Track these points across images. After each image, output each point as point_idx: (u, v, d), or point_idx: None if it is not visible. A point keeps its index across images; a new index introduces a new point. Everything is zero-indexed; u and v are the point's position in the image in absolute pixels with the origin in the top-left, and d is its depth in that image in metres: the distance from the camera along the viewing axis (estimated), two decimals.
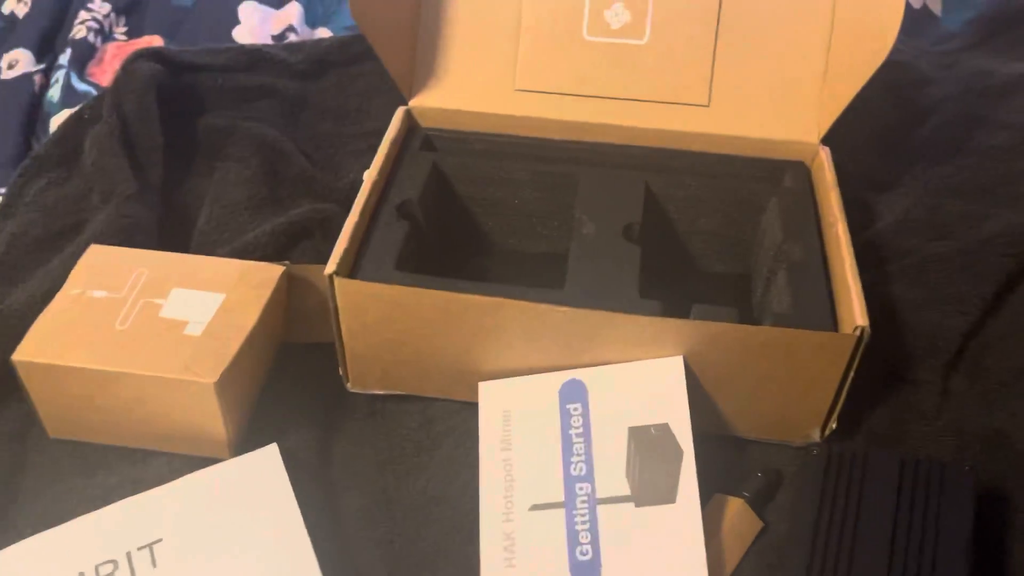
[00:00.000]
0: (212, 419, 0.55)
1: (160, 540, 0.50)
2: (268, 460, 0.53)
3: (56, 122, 0.85)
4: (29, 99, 0.89)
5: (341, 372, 0.61)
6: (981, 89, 0.81)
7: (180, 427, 0.56)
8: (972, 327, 0.63)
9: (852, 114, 0.65)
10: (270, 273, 0.61)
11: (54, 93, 0.89)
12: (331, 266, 0.55)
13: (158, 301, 0.58)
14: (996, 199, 0.71)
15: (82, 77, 0.92)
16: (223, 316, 0.57)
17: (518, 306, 0.54)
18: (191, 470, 0.56)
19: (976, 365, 0.61)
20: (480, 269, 0.69)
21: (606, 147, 0.68)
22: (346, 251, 0.56)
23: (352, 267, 0.57)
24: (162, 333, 0.56)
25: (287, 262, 0.62)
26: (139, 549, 0.49)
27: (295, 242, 0.72)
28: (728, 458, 0.58)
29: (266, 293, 0.59)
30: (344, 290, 0.55)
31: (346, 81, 0.90)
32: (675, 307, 0.54)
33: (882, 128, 0.80)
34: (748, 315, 0.64)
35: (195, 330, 0.56)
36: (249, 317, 0.57)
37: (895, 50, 0.89)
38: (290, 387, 0.62)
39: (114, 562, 0.49)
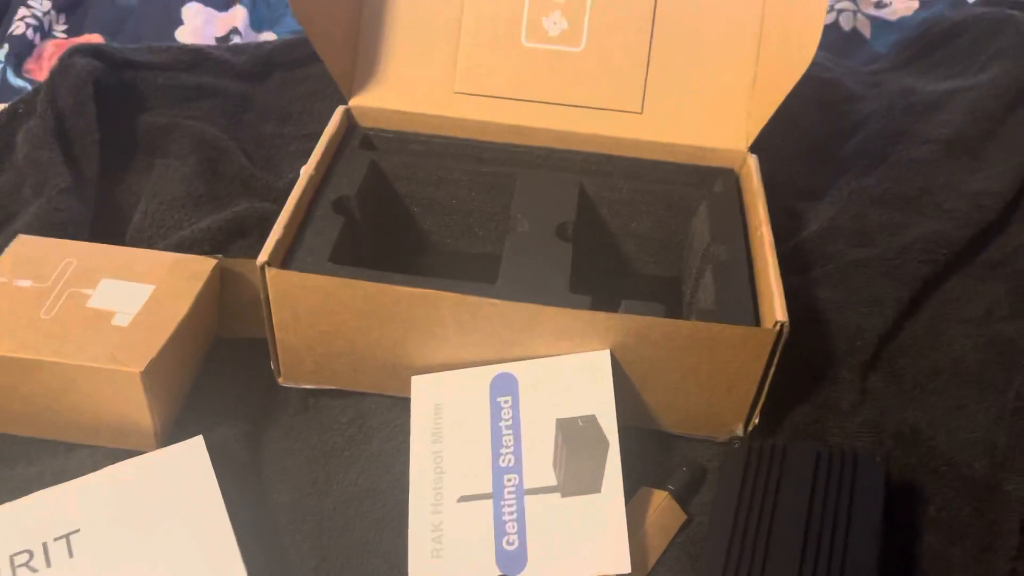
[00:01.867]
0: (138, 410, 0.55)
1: (78, 531, 0.49)
2: (193, 452, 0.53)
3: None
4: None
5: (273, 366, 0.61)
6: (905, 106, 0.84)
7: (106, 419, 0.55)
8: (890, 329, 0.65)
9: (784, 127, 0.67)
10: (202, 266, 0.60)
11: None
12: (263, 256, 0.55)
13: (86, 291, 0.57)
14: (917, 209, 0.74)
15: (19, 73, 0.91)
16: (152, 307, 0.57)
17: (450, 298, 0.54)
18: (116, 463, 0.55)
19: (893, 365, 0.64)
20: (417, 268, 0.69)
21: (543, 150, 0.69)
22: (279, 242, 0.56)
23: (284, 259, 0.57)
24: (89, 322, 0.55)
25: (220, 255, 0.62)
26: (55, 540, 0.49)
27: (232, 240, 0.72)
28: (655, 452, 0.59)
29: (197, 285, 0.59)
30: (276, 281, 0.55)
31: (290, 83, 0.91)
32: (606, 304, 0.56)
33: (812, 141, 0.83)
34: (678, 316, 0.65)
35: (123, 320, 0.56)
36: (179, 308, 0.57)
37: (826, 68, 0.93)
38: (222, 381, 0.62)
39: (29, 552, 0.48)
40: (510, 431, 0.55)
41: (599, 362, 0.55)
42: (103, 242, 0.64)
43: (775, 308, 0.54)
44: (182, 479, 0.52)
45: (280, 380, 0.61)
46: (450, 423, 0.56)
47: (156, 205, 0.75)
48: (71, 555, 0.48)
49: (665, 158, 0.69)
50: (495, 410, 0.56)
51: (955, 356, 0.64)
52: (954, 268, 0.70)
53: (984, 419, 0.60)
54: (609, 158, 0.69)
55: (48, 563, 0.48)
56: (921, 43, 0.93)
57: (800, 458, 0.53)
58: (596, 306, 0.55)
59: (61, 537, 0.49)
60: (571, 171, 0.69)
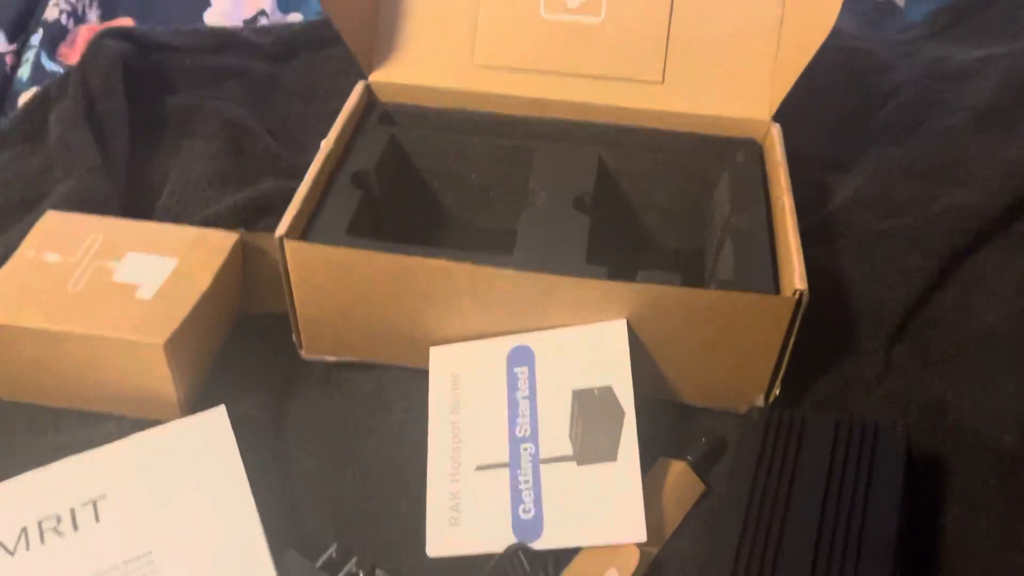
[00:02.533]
0: (162, 381, 0.56)
1: (104, 496, 0.50)
2: (215, 421, 0.54)
3: (24, 100, 0.86)
4: None
5: (295, 339, 0.61)
6: (937, 74, 0.82)
7: (131, 389, 0.56)
8: (916, 300, 0.64)
9: (813, 99, 0.66)
10: (225, 240, 0.61)
11: (24, 72, 0.90)
12: (282, 228, 0.55)
13: (111, 265, 0.59)
14: (947, 179, 0.72)
15: (52, 57, 0.93)
16: (175, 280, 0.58)
17: (466, 269, 0.55)
18: (142, 432, 0.56)
19: (919, 337, 0.63)
20: (436, 242, 0.69)
21: (562, 123, 0.69)
22: (297, 215, 0.57)
23: (303, 232, 0.58)
24: (114, 295, 0.56)
25: (242, 230, 0.63)
26: (83, 505, 0.50)
27: (257, 217, 0.73)
28: (674, 424, 0.59)
29: (219, 259, 0.60)
30: (295, 253, 0.56)
31: (315, 64, 0.91)
32: (623, 275, 0.55)
33: (841, 113, 0.82)
34: (699, 287, 0.65)
35: (147, 293, 0.57)
36: (201, 282, 0.58)
37: (857, 38, 0.91)
38: (245, 355, 0.63)
39: (57, 516, 0.49)
40: (527, 401, 0.55)
41: (615, 332, 0.55)
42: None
43: (794, 276, 0.54)
44: (205, 447, 0.53)
45: (302, 353, 0.62)
46: (467, 394, 0.57)
47: (183, 183, 0.76)
48: (97, 520, 0.49)
49: (686, 128, 0.68)
50: (512, 381, 0.56)
51: (984, 329, 0.62)
52: (985, 239, 0.68)
53: (1013, 392, 0.58)
54: (629, 129, 0.69)
55: (75, 527, 0.49)
56: (955, 11, 0.91)
57: (819, 429, 0.52)
58: (612, 276, 0.55)
59: (88, 502, 0.50)
60: (590, 143, 0.68)
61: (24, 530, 0.49)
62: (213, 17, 0.99)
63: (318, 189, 0.61)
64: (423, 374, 0.59)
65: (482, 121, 0.69)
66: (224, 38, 0.90)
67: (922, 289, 0.64)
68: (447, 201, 0.70)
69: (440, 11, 0.69)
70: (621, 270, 0.55)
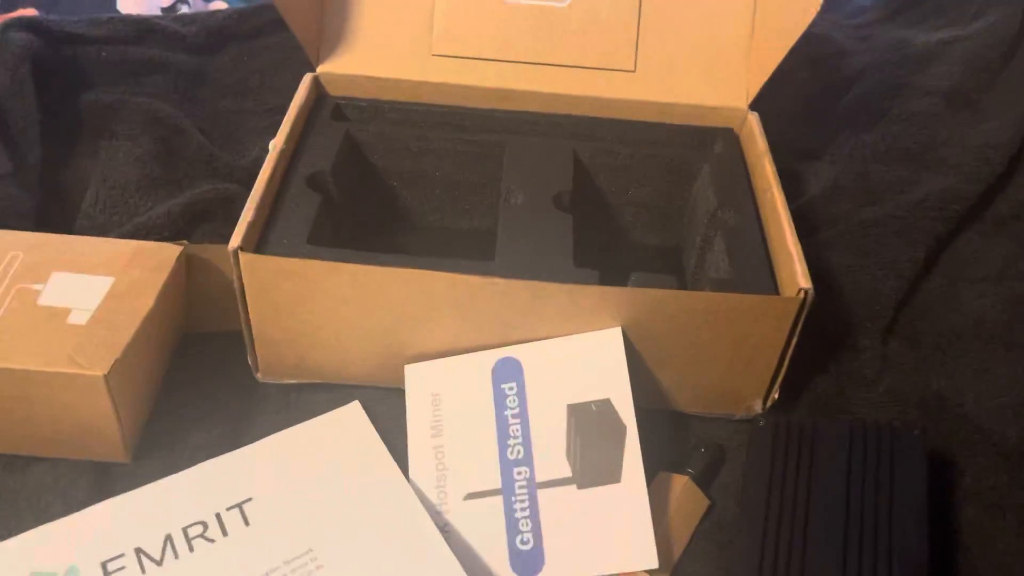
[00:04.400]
0: (103, 417, 0.49)
1: (250, 499, 0.47)
2: (353, 414, 0.53)
3: None
4: None
5: (250, 361, 0.55)
6: (899, 59, 0.81)
7: (67, 428, 0.49)
8: (907, 291, 0.62)
9: (774, 86, 0.63)
10: (166, 253, 0.55)
11: None
12: (235, 240, 0.49)
13: (36, 287, 0.51)
14: (921, 164, 0.71)
15: None
16: (113, 302, 0.51)
17: (446, 279, 0.50)
18: (81, 476, 0.50)
19: (912, 329, 0.61)
20: (402, 248, 0.64)
21: (530, 115, 0.64)
22: (251, 224, 0.51)
23: (259, 242, 0.52)
24: (41, 322, 0.49)
25: (185, 241, 0.56)
26: (227, 509, 0.47)
27: (195, 225, 0.67)
28: (667, 434, 0.55)
29: (162, 275, 0.53)
30: (251, 267, 0.50)
31: (246, 55, 0.84)
32: (611, 278, 0.51)
33: (805, 99, 0.80)
34: (683, 288, 0.61)
35: (80, 318, 0.50)
36: (143, 302, 0.51)
37: (810, 23, 0.89)
38: (193, 381, 0.56)
39: (203, 523, 0.46)
40: (517, 420, 0.51)
41: (611, 341, 0.51)
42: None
43: (796, 274, 0.50)
44: (347, 440, 0.51)
45: (259, 376, 0.56)
46: (450, 414, 0.52)
47: (107, 190, 0.68)
48: (247, 523, 0.46)
49: (661, 119, 0.65)
50: (499, 398, 0.52)
51: (974, 317, 0.61)
52: (964, 225, 0.67)
53: (1011, 382, 0.57)
54: (602, 121, 0.65)
55: (224, 532, 0.46)
56: None
57: (833, 435, 0.49)
58: (603, 280, 0.51)
59: (233, 506, 0.47)
60: (562, 136, 0.64)
61: (169, 538, 0.45)
62: (127, 6, 0.91)
63: (271, 194, 0.55)
64: (396, 393, 0.54)
65: (444, 115, 0.64)
66: (143, 27, 0.82)
67: (911, 279, 0.62)
68: (410, 202, 0.65)
69: None
70: (606, 273, 0.51)
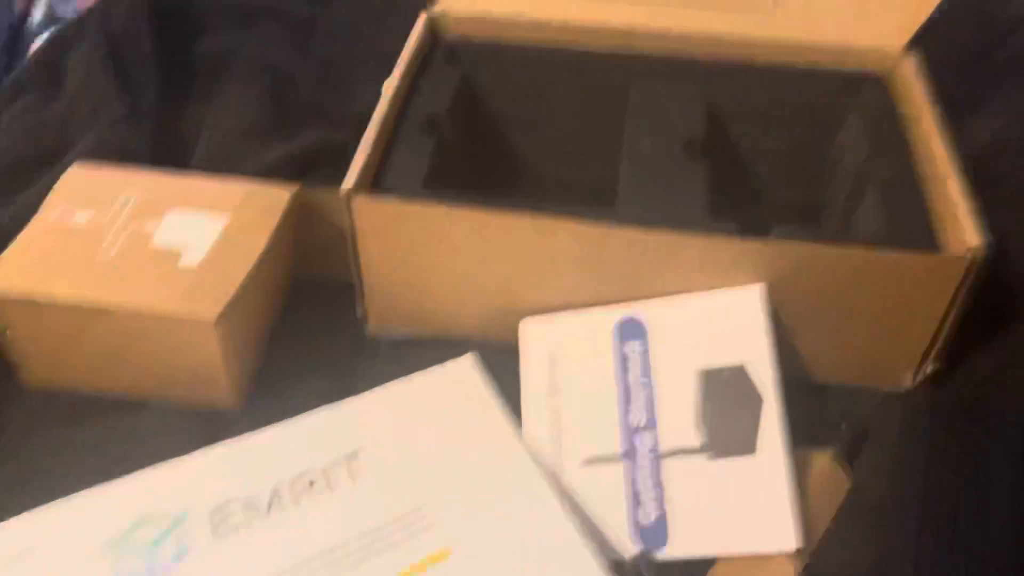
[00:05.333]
0: (212, 363, 0.48)
1: (357, 454, 0.45)
2: (466, 368, 0.50)
3: (37, 44, 0.77)
4: (11, 21, 0.81)
5: (359, 312, 0.53)
6: None
7: (177, 372, 0.49)
8: None
9: (924, 27, 0.57)
10: (280, 195, 0.53)
11: (36, 15, 0.81)
12: (348, 182, 0.47)
13: (149, 227, 0.50)
14: None
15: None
16: (225, 244, 0.50)
17: (569, 228, 0.46)
18: (191, 422, 0.49)
19: None
20: (514, 195, 0.60)
21: (658, 57, 0.60)
22: (365, 167, 0.48)
23: (372, 185, 0.49)
24: (154, 263, 0.48)
25: (299, 183, 0.55)
26: (335, 464, 0.45)
27: (304, 173, 0.65)
28: (803, 406, 0.50)
29: (275, 218, 0.51)
30: (364, 210, 0.47)
31: (357, 2, 0.82)
32: (751, 231, 0.46)
33: (961, 44, 0.72)
34: None
35: (192, 260, 0.49)
36: (255, 245, 0.50)
37: None
38: (301, 330, 0.55)
39: (308, 476, 0.44)
40: (641, 383, 0.47)
41: (750, 300, 0.46)
42: None
43: (964, 231, 0.45)
44: (460, 394, 0.48)
45: (368, 326, 0.54)
46: (568, 374, 0.48)
47: (219, 137, 0.68)
48: (354, 478, 0.44)
49: (802, 62, 0.59)
50: (621, 359, 0.48)
51: None
52: None
53: None
54: (736, 64, 0.59)
55: (330, 486, 0.44)
56: None
57: (1012, 418, 0.43)
58: (744, 232, 0.46)
59: (339, 461, 0.45)
60: (691, 80, 0.59)
61: (275, 490, 0.43)
62: None
63: (384, 138, 0.52)
64: (510, 350, 0.51)
65: (565, 57, 0.60)
66: None
67: None
68: (525, 149, 0.61)
69: None
70: (744, 226, 0.47)
